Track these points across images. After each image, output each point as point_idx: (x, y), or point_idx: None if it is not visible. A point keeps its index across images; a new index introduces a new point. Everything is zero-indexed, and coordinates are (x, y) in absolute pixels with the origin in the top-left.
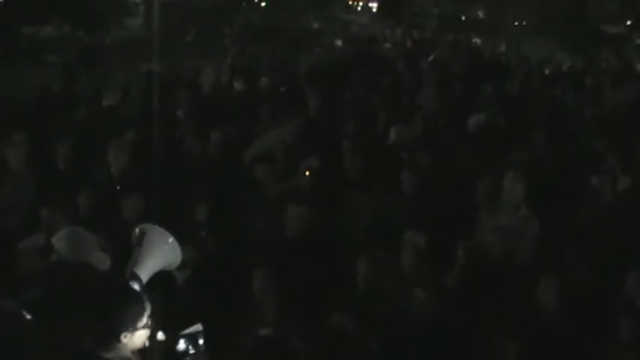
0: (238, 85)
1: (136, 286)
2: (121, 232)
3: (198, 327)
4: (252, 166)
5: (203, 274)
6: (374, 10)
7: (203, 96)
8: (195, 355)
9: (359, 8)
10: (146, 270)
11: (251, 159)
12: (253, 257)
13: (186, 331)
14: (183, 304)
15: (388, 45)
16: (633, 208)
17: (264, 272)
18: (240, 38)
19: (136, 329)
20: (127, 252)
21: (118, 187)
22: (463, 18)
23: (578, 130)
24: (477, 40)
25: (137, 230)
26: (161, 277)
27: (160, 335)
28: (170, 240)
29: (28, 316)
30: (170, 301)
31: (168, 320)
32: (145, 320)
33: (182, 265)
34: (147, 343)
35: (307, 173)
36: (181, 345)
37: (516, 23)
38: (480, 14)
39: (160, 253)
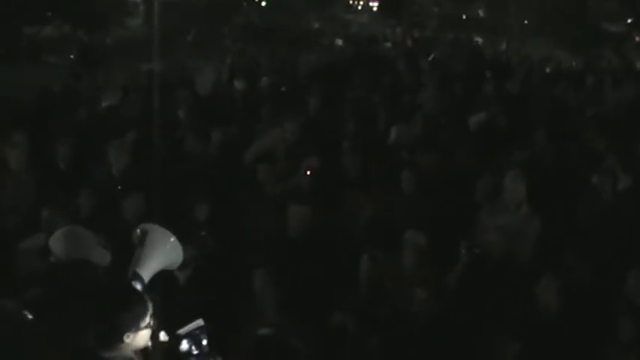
0: (239, 84)
1: (138, 286)
2: (122, 231)
3: (199, 322)
4: (252, 165)
5: (204, 273)
6: (374, 9)
7: (203, 96)
8: (199, 355)
9: (359, 8)
10: (148, 270)
11: (251, 159)
12: (254, 257)
13: (188, 328)
14: (185, 303)
15: (388, 44)
16: (634, 208)
17: (265, 272)
18: (241, 38)
19: (138, 329)
20: (128, 252)
21: (119, 187)
22: (464, 17)
23: (578, 130)
24: (477, 39)
25: (138, 230)
26: (162, 276)
27: (163, 335)
28: (171, 239)
29: (29, 316)
30: (172, 301)
31: (169, 320)
32: (147, 320)
33: (183, 265)
34: (149, 343)
35: (308, 173)
36: (184, 345)
37: (517, 22)
38: (481, 13)
39: (162, 253)
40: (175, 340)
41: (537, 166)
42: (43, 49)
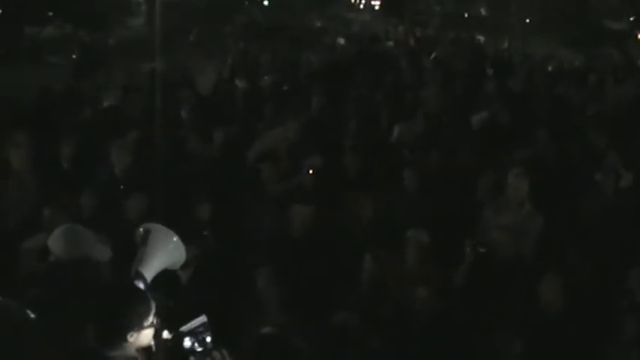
0: (241, 84)
1: (141, 285)
2: (124, 231)
3: (202, 319)
4: (255, 165)
5: (206, 272)
6: (376, 8)
7: (206, 95)
8: (203, 352)
9: (361, 6)
10: (151, 269)
11: (254, 158)
12: (256, 256)
13: (191, 325)
14: (187, 302)
15: (391, 43)
16: (636, 205)
17: (268, 271)
18: (243, 37)
19: (142, 328)
20: (131, 251)
21: (121, 187)
22: (466, 15)
23: (581, 127)
24: (479, 38)
25: (141, 229)
26: (165, 275)
27: (166, 334)
28: (174, 239)
29: (32, 316)
30: (175, 300)
31: (172, 318)
32: (150, 319)
33: (186, 264)
34: (152, 342)
35: (310, 172)
36: (187, 342)
37: (519, 21)
38: (483, 12)
39: (165, 252)
40: (178, 337)
41: (540, 164)
42: (44, 49)
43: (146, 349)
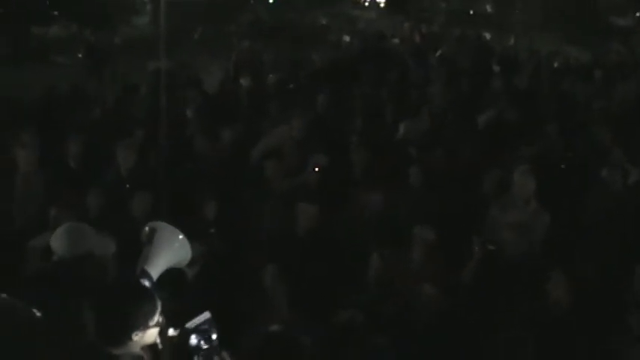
0: (246, 82)
1: (147, 284)
2: (130, 230)
3: (206, 315)
4: (259, 163)
5: (212, 270)
6: (381, 5)
7: (211, 94)
8: (209, 349)
9: (366, 4)
10: (157, 267)
11: (259, 156)
12: (262, 254)
13: (196, 321)
14: (193, 300)
15: (396, 40)
16: None
17: (274, 269)
18: (248, 35)
19: (147, 327)
20: (137, 250)
21: (127, 186)
22: (471, 12)
23: (587, 124)
24: (485, 35)
25: (147, 228)
26: (171, 274)
27: (171, 332)
28: (180, 237)
29: (38, 314)
30: (180, 298)
31: (178, 316)
32: (156, 318)
33: (192, 262)
34: (158, 340)
35: (316, 170)
36: (193, 340)
37: (524, 17)
38: (488, 8)
39: (170, 251)
40: (184, 334)
41: (546, 160)
42: (50, 49)
43: (151, 348)
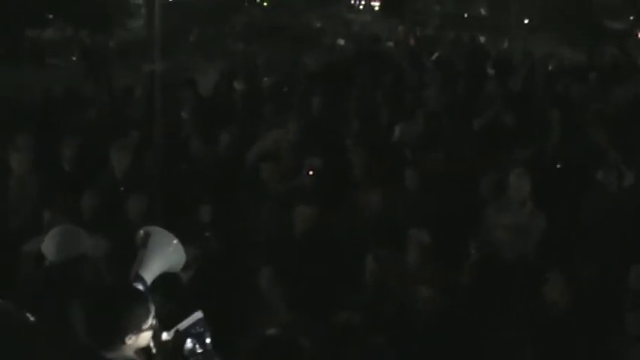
0: (241, 85)
1: (141, 287)
2: (125, 233)
3: (198, 315)
4: (255, 165)
5: (208, 274)
6: (376, 8)
7: (206, 97)
8: (203, 354)
9: (361, 7)
10: (150, 271)
11: (254, 159)
12: (258, 257)
13: (188, 322)
14: (188, 304)
15: (391, 43)
16: (638, 203)
17: (270, 271)
18: (243, 38)
19: (140, 331)
20: (131, 253)
21: (122, 189)
22: (465, 15)
23: (582, 126)
24: (480, 37)
25: (141, 232)
26: (165, 278)
27: (165, 335)
28: (174, 242)
29: (31, 318)
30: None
31: (174, 320)
32: (149, 321)
33: (186, 266)
34: (151, 343)
35: (310, 173)
36: (189, 344)
37: (519, 20)
38: (483, 11)
39: (164, 255)
40: (178, 337)
41: (541, 163)
42: (45, 51)
43: (145, 351)
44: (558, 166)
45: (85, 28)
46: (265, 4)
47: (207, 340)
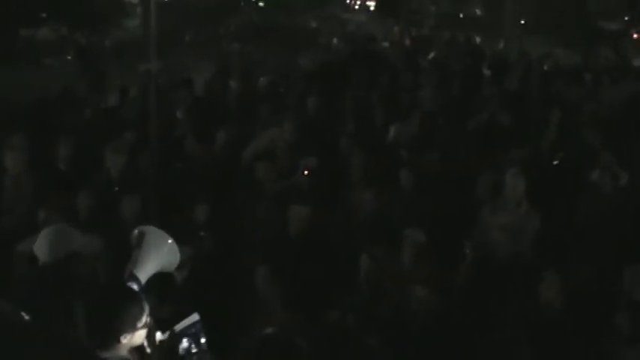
0: (236, 85)
1: (135, 287)
2: (119, 233)
3: (194, 317)
4: (250, 165)
5: (202, 273)
6: (371, 8)
7: (202, 96)
8: (198, 354)
9: (356, 7)
10: (145, 271)
11: (249, 158)
12: (253, 257)
13: (184, 324)
14: (183, 303)
15: (386, 43)
16: (632, 204)
17: (267, 271)
18: (239, 38)
19: (135, 329)
20: (126, 253)
21: (117, 189)
22: (461, 15)
23: (577, 126)
24: (476, 38)
25: (136, 232)
26: (160, 277)
27: (159, 335)
28: (169, 241)
29: (26, 318)
30: (170, 301)
31: (170, 320)
32: (144, 320)
33: (180, 265)
34: (145, 342)
35: (306, 173)
36: (184, 344)
37: (514, 20)
38: (478, 11)
39: (159, 255)
40: (174, 338)
41: (537, 163)
42: (40, 51)
43: (139, 350)
44: (556, 162)
45: (81, 28)
46: (261, 4)
47: (202, 340)
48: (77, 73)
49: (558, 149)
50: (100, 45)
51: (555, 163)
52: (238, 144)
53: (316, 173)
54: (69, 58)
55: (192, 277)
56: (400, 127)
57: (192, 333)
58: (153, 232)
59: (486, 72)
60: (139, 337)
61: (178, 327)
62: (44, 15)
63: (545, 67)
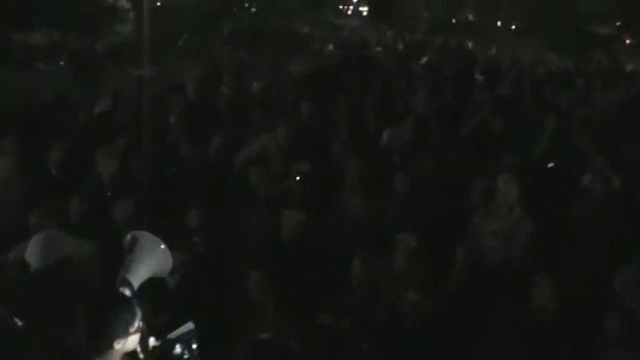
0: (229, 90)
1: (127, 292)
2: (112, 238)
3: (189, 326)
4: (243, 170)
5: (195, 278)
6: (364, 13)
7: (194, 101)
8: (190, 359)
9: (349, 12)
10: (137, 276)
11: (242, 163)
12: (247, 262)
13: (178, 332)
14: (175, 308)
15: (379, 48)
16: (623, 208)
17: (260, 276)
18: (231, 43)
19: (128, 334)
20: (118, 258)
21: (109, 193)
22: (454, 21)
23: (569, 131)
24: (468, 43)
25: (129, 237)
26: (153, 282)
27: (152, 341)
28: (161, 247)
29: (19, 323)
30: (162, 306)
31: (161, 326)
32: (136, 325)
33: (173, 271)
34: (138, 348)
35: (298, 178)
36: (177, 350)
37: (506, 25)
38: (470, 17)
39: (151, 260)
40: (168, 344)
41: (529, 168)
42: (32, 56)
43: (132, 355)
44: (548, 167)
45: (73, 33)
46: (254, 9)
47: (194, 347)
48: (70, 77)
49: (550, 154)
50: (93, 49)
51: (547, 167)
52: (231, 149)
53: (309, 178)
54: (61, 62)
55: (185, 282)
56: (393, 132)
57: (184, 339)
58: (145, 237)
59: (479, 77)
60: (132, 342)
61: (173, 335)
62: (36, 20)
63: (538, 72)
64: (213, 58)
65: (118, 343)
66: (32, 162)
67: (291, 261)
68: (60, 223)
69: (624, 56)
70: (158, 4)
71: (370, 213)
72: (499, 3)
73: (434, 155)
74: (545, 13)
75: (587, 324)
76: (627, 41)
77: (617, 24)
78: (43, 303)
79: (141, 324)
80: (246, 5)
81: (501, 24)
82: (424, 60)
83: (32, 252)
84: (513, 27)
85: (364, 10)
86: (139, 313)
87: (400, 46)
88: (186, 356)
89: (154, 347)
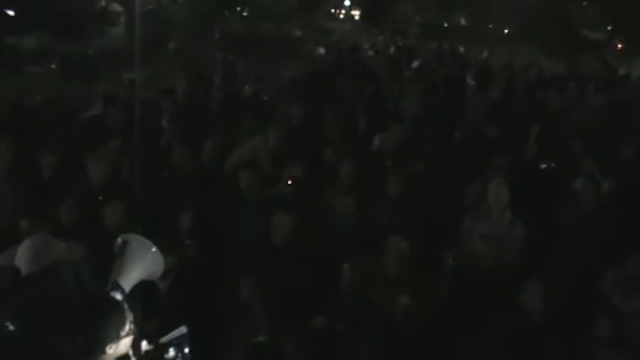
0: (221, 93)
1: (119, 296)
2: (103, 242)
3: (182, 330)
4: (234, 174)
5: (186, 282)
6: (356, 17)
7: (186, 105)
8: None
9: (341, 16)
10: (129, 280)
11: (233, 167)
12: (239, 265)
13: (171, 336)
14: (169, 312)
15: (371, 52)
16: (614, 212)
17: (251, 279)
18: (223, 47)
19: (120, 338)
20: (109, 262)
21: (100, 197)
22: (445, 25)
23: (561, 135)
24: (460, 47)
25: (120, 240)
26: (144, 286)
27: (145, 345)
28: (153, 250)
29: (11, 328)
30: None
31: (153, 329)
32: (127, 328)
33: (165, 274)
34: (130, 351)
35: (289, 182)
36: (171, 353)
37: (498, 30)
38: (462, 21)
39: (143, 263)
40: (161, 347)
41: (520, 172)
42: (24, 59)
43: (124, 359)
44: (539, 170)
45: (65, 37)
46: (245, 13)
47: (186, 350)
48: (61, 81)
49: (542, 158)
50: (84, 53)
51: (538, 172)
52: (223, 152)
53: (300, 182)
54: (53, 66)
55: (177, 286)
56: (384, 137)
57: (177, 343)
58: (136, 241)
59: (470, 81)
60: (124, 346)
61: (166, 339)
62: (28, 23)
63: (529, 76)
64: (204, 61)
65: (110, 347)
66: (23, 166)
67: (282, 264)
68: (51, 227)
69: (615, 60)
70: (150, 7)
71: (361, 217)
72: (491, 7)
73: (426, 159)
74: (537, 18)
75: (577, 327)
76: (619, 46)
77: (609, 28)
78: (34, 308)
79: (132, 327)
80: (238, 9)
81: (493, 28)
82: (416, 64)
83: (22, 257)
84: (505, 31)
85: (356, 13)
86: (130, 317)
87: (392, 50)
88: (178, 359)
89: (146, 351)
